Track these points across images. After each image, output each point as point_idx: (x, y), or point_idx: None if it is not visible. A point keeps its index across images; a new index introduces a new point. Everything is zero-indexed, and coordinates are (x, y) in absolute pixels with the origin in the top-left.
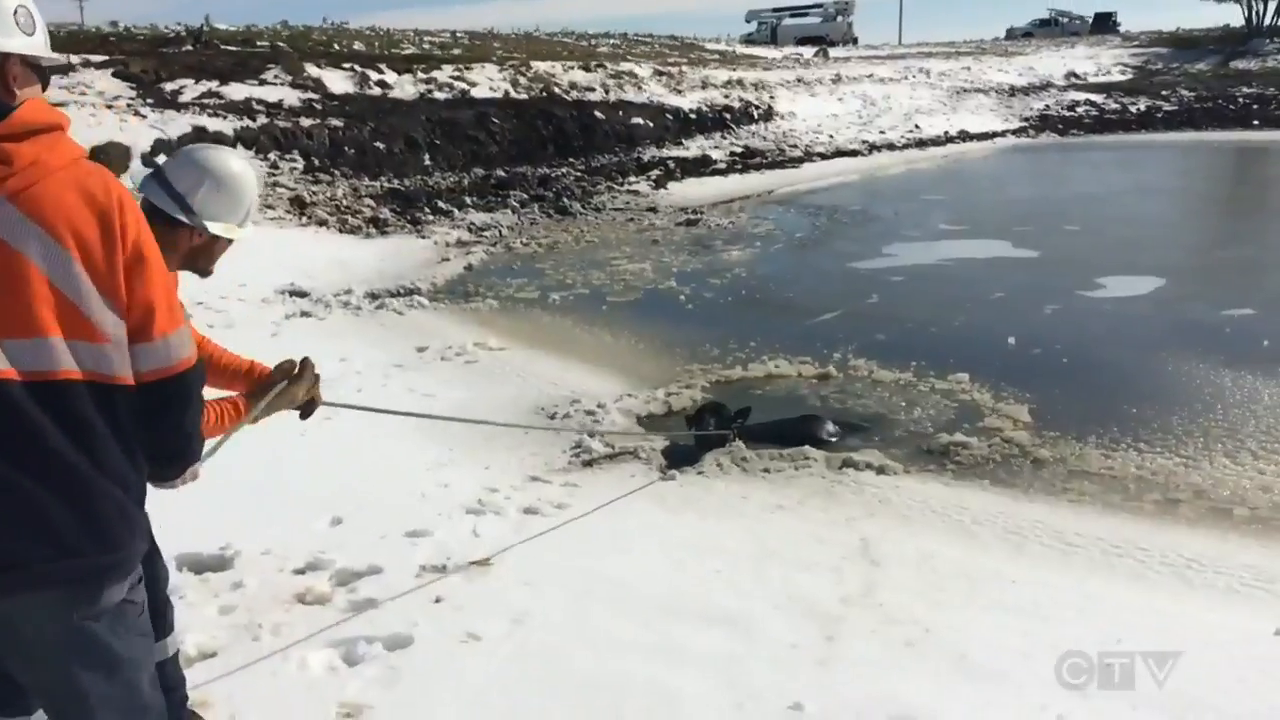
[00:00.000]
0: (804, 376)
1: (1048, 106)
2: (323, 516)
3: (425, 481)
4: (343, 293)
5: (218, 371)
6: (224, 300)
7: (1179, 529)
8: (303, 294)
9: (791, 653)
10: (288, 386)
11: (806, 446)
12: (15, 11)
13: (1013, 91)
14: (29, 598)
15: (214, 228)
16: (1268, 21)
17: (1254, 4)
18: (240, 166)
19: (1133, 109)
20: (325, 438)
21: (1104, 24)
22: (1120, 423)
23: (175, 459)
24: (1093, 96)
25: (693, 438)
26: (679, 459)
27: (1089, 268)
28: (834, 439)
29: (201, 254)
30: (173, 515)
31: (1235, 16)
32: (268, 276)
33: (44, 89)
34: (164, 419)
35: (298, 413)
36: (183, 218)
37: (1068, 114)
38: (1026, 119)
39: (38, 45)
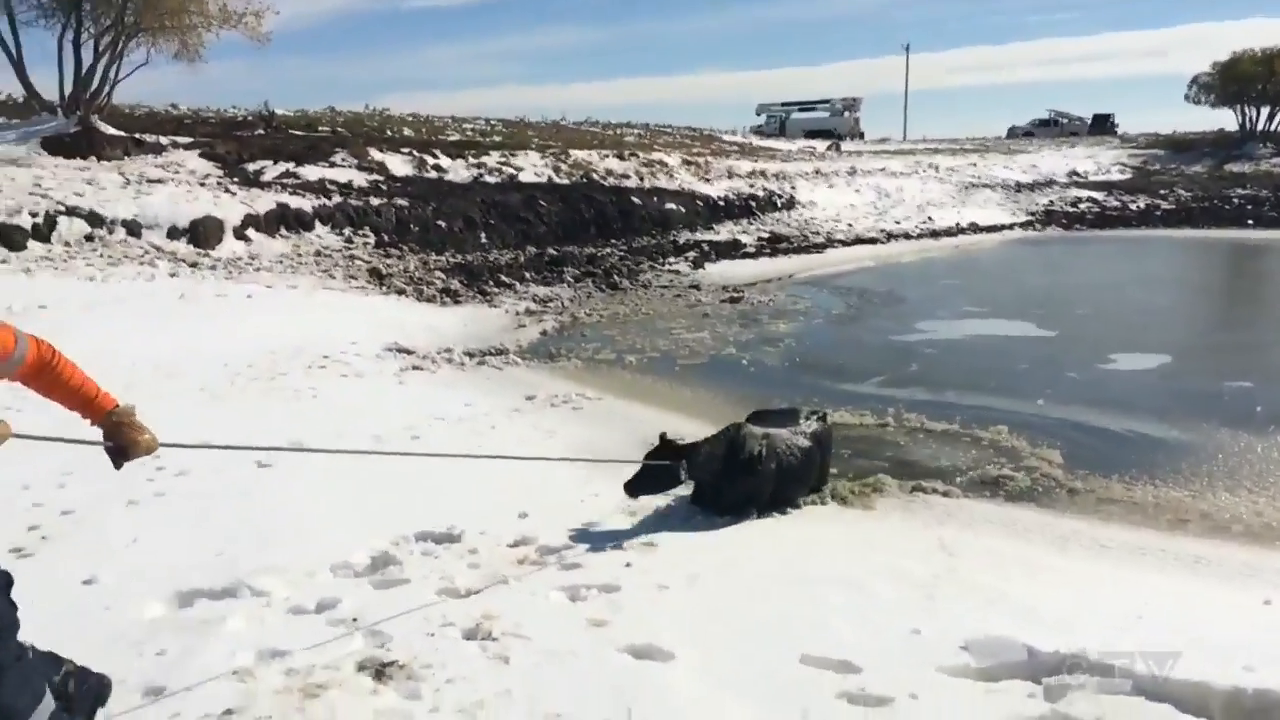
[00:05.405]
0: (865, 425)
1: (1052, 202)
2: (511, 513)
3: (579, 492)
4: (444, 350)
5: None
6: (344, 355)
7: (1188, 539)
8: (409, 351)
9: (901, 603)
10: None
11: (880, 476)
12: None
13: (1018, 187)
14: None
15: None
16: (1260, 127)
17: (1246, 110)
18: None
19: (1133, 206)
20: (476, 466)
21: (1102, 125)
22: (1138, 465)
23: None
24: (1094, 194)
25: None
26: None
27: (1101, 345)
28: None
29: None
30: (409, 505)
31: (1229, 121)
32: (372, 336)
33: None
34: None
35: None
36: None
37: (1071, 210)
38: (1032, 213)
39: None
